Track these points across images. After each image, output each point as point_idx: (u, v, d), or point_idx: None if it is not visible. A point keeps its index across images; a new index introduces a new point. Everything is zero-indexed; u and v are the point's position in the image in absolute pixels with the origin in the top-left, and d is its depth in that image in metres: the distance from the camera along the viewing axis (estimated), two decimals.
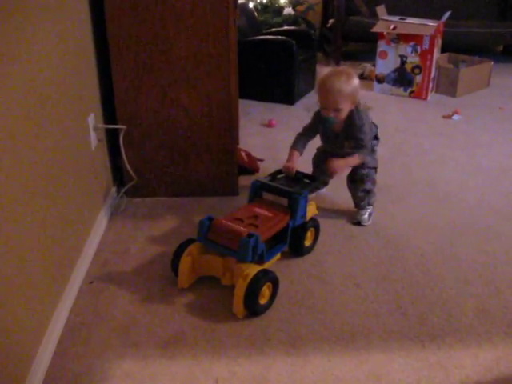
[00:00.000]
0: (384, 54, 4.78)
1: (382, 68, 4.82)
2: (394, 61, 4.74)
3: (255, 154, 3.26)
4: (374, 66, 5.05)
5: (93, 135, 2.36)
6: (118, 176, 2.81)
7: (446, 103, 4.59)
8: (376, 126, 2.60)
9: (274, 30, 4.97)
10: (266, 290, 1.93)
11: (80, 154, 2.20)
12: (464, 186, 2.99)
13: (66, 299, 1.93)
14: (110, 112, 2.62)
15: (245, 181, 2.81)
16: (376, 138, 2.60)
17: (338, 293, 2.07)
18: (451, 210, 2.72)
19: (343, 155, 2.46)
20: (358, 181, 2.52)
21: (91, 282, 2.12)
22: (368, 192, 2.54)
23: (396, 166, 3.27)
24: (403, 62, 4.69)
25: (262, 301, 1.93)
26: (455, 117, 4.18)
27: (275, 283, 1.99)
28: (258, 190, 2.32)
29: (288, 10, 5.62)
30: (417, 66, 4.64)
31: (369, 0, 5.81)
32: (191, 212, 2.64)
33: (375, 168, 2.57)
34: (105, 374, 1.67)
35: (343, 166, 2.42)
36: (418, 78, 4.67)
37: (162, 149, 2.67)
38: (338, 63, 5.82)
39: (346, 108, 2.34)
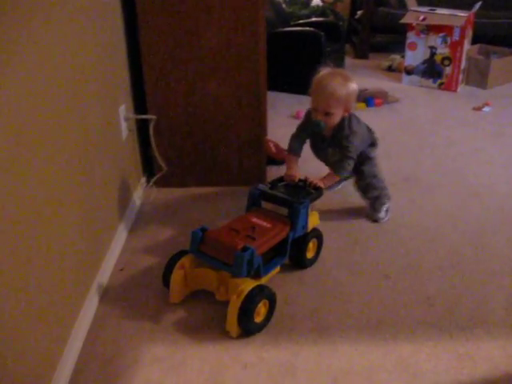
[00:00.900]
0: (413, 46, 4.74)
1: (411, 59, 4.79)
2: (423, 52, 4.70)
3: (283, 145, 3.26)
4: (402, 57, 5.02)
5: (124, 125, 2.40)
6: (148, 166, 2.84)
7: (477, 95, 4.54)
8: (372, 132, 2.47)
9: (302, 21, 4.97)
10: (261, 308, 1.80)
11: (111, 144, 2.24)
12: (494, 178, 2.96)
13: (98, 285, 1.97)
14: (139, 103, 2.65)
15: (272, 171, 2.84)
16: (372, 145, 2.47)
17: (366, 283, 2.08)
18: (481, 201, 2.70)
19: (328, 162, 2.43)
20: (363, 191, 2.51)
21: (121, 269, 2.16)
22: (376, 197, 2.49)
23: (425, 157, 3.25)
24: (433, 54, 4.66)
25: (258, 319, 1.80)
26: (486, 108, 4.14)
27: (272, 300, 1.85)
28: (256, 199, 2.17)
29: (316, 2, 5.62)
30: (447, 58, 4.60)
31: None
32: (219, 202, 2.66)
33: (377, 175, 2.49)
34: (135, 358, 1.71)
35: (328, 184, 2.29)
36: (448, 70, 4.63)
37: (191, 139, 2.70)
38: (366, 55, 5.80)
39: (337, 113, 2.21)
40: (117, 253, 2.24)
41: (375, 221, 2.50)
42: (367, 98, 4.18)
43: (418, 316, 1.90)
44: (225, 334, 1.80)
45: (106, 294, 2.02)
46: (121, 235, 2.31)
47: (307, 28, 4.46)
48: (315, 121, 2.24)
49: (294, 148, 2.39)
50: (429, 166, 3.14)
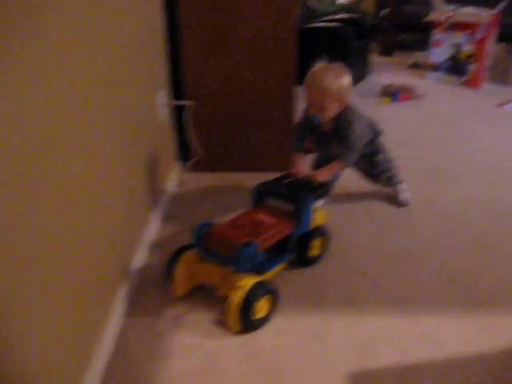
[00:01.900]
0: (438, 43, 4.83)
1: (436, 56, 4.88)
2: (448, 49, 4.79)
3: None
4: (427, 54, 5.11)
5: (161, 111, 2.53)
6: (182, 151, 2.97)
7: (500, 92, 4.62)
8: (374, 123, 2.50)
9: (328, 18, 5.07)
10: (263, 303, 1.81)
11: (150, 128, 2.37)
12: None
13: (140, 255, 2.11)
14: (176, 90, 2.79)
15: None
16: (379, 133, 2.52)
17: (391, 261, 2.20)
18: (502, 191, 2.80)
19: (331, 157, 2.36)
20: (377, 175, 2.59)
21: (158, 247, 2.28)
22: (389, 178, 2.59)
23: (448, 150, 3.35)
24: (458, 51, 4.74)
25: (259, 315, 1.80)
26: (509, 105, 4.22)
27: (274, 295, 1.86)
28: (261, 195, 2.18)
29: None
30: (471, 55, 4.68)
31: None
32: (250, 187, 2.77)
33: (389, 159, 2.58)
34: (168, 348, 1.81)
35: (327, 175, 2.29)
36: (472, 67, 4.71)
37: (225, 125, 2.83)
38: (391, 53, 5.89)
39: (331, 107, 2.22)
40: (152, 234, 2.34)
41: (402, 204, 2.60)
42: (392, 93, 4.28)
43: (441, 292, 2.01)
44: None
45: (144, 266, 2.15)
46: (156, 217, 2.42)
47: (334, 24, 4.56)
48: (310, 115, 2.28)
49: (299, 144, 2.43)
50: (452, 158, 3.23)
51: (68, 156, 1.40)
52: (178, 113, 2.84)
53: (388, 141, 3.38)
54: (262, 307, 1.81)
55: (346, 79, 2.21)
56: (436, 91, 4.63)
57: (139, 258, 2.10)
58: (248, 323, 1.78)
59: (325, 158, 2.46)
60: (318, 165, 2.51)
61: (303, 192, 2.11)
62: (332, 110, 2.23)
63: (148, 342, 1.77)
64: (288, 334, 1.81)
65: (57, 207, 1.32)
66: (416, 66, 5.34)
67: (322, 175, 2.24)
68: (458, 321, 1.87)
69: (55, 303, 1.33)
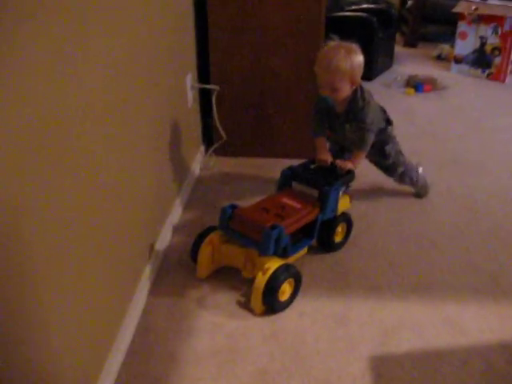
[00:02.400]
0: (464, 35, 4.79)
1: (461, 49, 4.84)
2: (473, 42, 4.74)
3: None
4: (452, 47, 5.07)
5: (190, 94, 2.55)
6: (207, 135, 2.99)
7: None
8: (384, 111, 2.38)
9: (354, 7, 5.04)
10: (286, 286, 1.83)
11: (179, 110, 2.39)
12: None
13: (166, 235, 2.14)
14: (203, 74, 2.80)
15: None
16: (389, 123, 2.39)
17: (415, 249, 2.20)
18: None
19: (345, 140, 2.32)
20: (390, 170, 2.51)
21: (185, 226, 2.31)
22: (402, 173, 2.49)
23: (472, 141, 3.33)
24: (483, 44, 4.69)
25: (283, 297, 1.83)
26: None
27: (297, 279, 1.88)
28: (287, 179, 2.17)
29: None
30: (496, 48, 4.64)
31: None
32: (273, 172, 2.77)
33: (400, 152, 2.48)
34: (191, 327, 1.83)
35: (356, 165, 2.20)
36: (497, 60, 4.66)
37: (250, 110, 2.84)
38: (415, 44, 5.85)
39: (344, 87, 2.11)
40: (176, 216, 2.36)
41: (419, 195, 2.59)
42: (416, 84, 4.25)
43: (464, 281, 2.02)
44: None
45: (169, 247, 2.18)
46: (180, 200, 2.44)
47: (360, 13, 4.54)
48: (322, 97, 2.20)
49: (317, 130, 2.32)
50: (476, 149, 3.21)
51: (102, 139, 1.42)
52: (202, 96, 2.85)
53: (412, 131, 3.40)
54: (285, 290, 1.83)
55: (358, 57, 2.11)
56: (460, 83, 4.59)
57: (164, 238, 2.12)
58: (271, 305, 1.81)
59: (340, 141, 2.41)
60: (334, 148, 2.45)
61: (330, 178, 2.10)
62: (344, 91, 2.13)
63: (171, 321, 1.80)
64: (310, 316, 1.83)
65: (88, 188, 1.35)
66: (440, 58, 5.29)
67: (350, 164, 2.17)
68: (480, 309, 1.88)
69: (89, 279, 1.36)
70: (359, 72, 2.12)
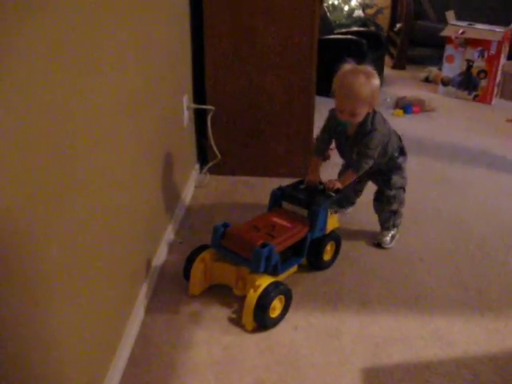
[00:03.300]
0: (451, 58, 4.92)
1: (448, 71, 4.96)
2: (460, 65, 4.87)
3: None
4: (439, 69, 5.20)
5: (186, 114, 2.62)
6: (201, 154, 3.06)
7: (510, 108, 4.70)
8: (400, 139, 2.37)
9: (344, 30, 5.17)
10: (277, 303, 1.87)
11: (174, 130, 2.46)
12: None
13: (161, 253, 2.19)
14: (198, 94, 2.88)
15: None
16: (402, 153, 2.37)
17: (404, 265, 2.27)
18: (510, 202, 2.88)
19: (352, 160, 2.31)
20: (385, 202, 2.40)
21: (180, 242, 2.37)
22: (394, 213, 2.42)
23: (458, 161, 3.43)
24: (469, 67, 4.83)
25: (273, 314, 1.87)
26: None
27: (287, 296, 1.92)
28: (277, 199, 2.22)
29: (358, 13, 5.81)
30: (482, 71, 4.77)
31: (437, 6, 5.95)
32: (266, 191, 2.84)
33: (403, 188, 2.41)
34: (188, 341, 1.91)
35: (343, 184, 2.21)
36: (484, 83, 4.79)
37: (244, 131, 2.92)
38: (403, 67, 5.98)
39: (363, 112, 2.12)
40: (171, 233, 2.41)
41: (378, 244, 2.43)
42: (405, 106, 4.36)
43: (451, 296, 2.09)
44: None
45: (167, 261, 2.24)
46: (175, 217, 2.48)
47: (350, 36, 4.66)
48: (342, 122, 2.16)
49: (319, 150, 2.34)
50: (462, 168, 3.31)
51: (99, 155, 1.46)
52: (197, 116, 2.93)
53: None
54: (275, 307, 1.87)
55: (377, 81, 2.11)
56: (447, 105, 4.71)
57: (160, 255, 2.17)
58: (262, 322, 1.85)
59: (347, 162, 2.44)
60: (344, 170, 2.49)
61: (318, 198, 2.15)
62: (362, 115, 2.14)
63: (169, 335, 1.84)
64: (305, 330, 1.89)
65: (86, 202, 1.39)
66: (428, 80, 5.42)
67: (338, 184, 2.18)
68: (468, 323, 1.94)
69: (92, 293, 1.42)
70: (377, 95, 2.13)
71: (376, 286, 2.14)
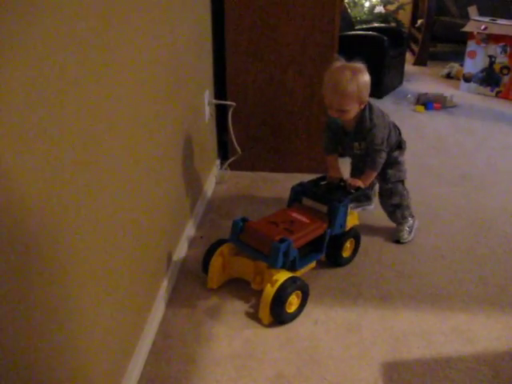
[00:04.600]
0: (473, 54, 4.88)
1: (470, 67, 4.93)
2: (482, 61, 4.84)
3: None
4: (461, 65, 5.16)
5: (207, 109, 2.64)
6: (222, 150, 3.08)
7: None
8: (399, 132, 2.38)
9: (365, 26, 5.15)
10: (294, 298, 1.87)
11: (197, 124, 2.48)
12: None
13: (181, 248, 2.21)
14: (219, 90, 2.90)
15: None
16: (400, 147, 2.38)
17: (425, 262, 2.27)
18: None
19: (354, 157, 2.44)
20: (384, 196, 2.43)
21: (201, 237, 2.39)
22: (397, 206, 2.41)
23: (480, 157, 3.41)
24: (492, 63, 4.79)
25: (290, 309, 1.88)
26: None
27: (305, 291, 1.92)
28: (298, 195, 2.22)
29: (379, 9, 5.79)
30: (505, 67, 4.73)
31: (459, 1, 5.90)
32: (286, 186, 2.86)
33: (401, 181, 2.40)
34: (208, 334, 1.93)
35: (365, 183, 2.23)
36: (506, 79, 4.75)
37: (264, 127, 2.93)
38: (424, 63, 5.95)
39: (352, 108, 2.11)
40: (192, 227, 2.44)
41: (397, 241, 2.41)
42: (426, 102, 4.34)
43: (472, 292, 2.08)
44: None
45: (187, 256, 2.26)
46: (196, 212, 2.52)
47: (371, 32, 4.65)
48: (332, 118, 2.22)
49: (328, 148, 2.36)
50: (484, 165, 3.29)
51: (123, 150, 1.48)
52: (218, 112, 2.95)
53: (421, 147, 3.48)
54: (292, 302, 1.88)
55: (364, 77, 2.10)
56: (469, 101, 4.68)
57: (180, 250, 2.20)
58: (279, 316, 1.86)
59: (358, 161, 2.48)
60: (353, 168, 2.58)
61: (339, 195, 2.16)
62: (353, 112, 2.13)
63: (189, 328, 1.86)
64: (324, 324, 1.90)
65: (110, 196, 1.41)
66: (450, 77, 5.39)
67: (360, 182, 2.21)
68: (488, 319, 1.94)
69: (116, 286, 1.44)
70: (366, 91, 2.12)
71: (396, 282, 2.14)
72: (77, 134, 1.15)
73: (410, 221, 2.44)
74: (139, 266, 1.66)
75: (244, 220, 2.03)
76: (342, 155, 2.46)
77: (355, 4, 5.75)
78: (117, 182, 1.43)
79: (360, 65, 2.12)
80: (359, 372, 1.68)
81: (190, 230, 2.38)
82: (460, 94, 4.90)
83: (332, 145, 2.35)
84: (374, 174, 2.27)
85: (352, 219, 2.23)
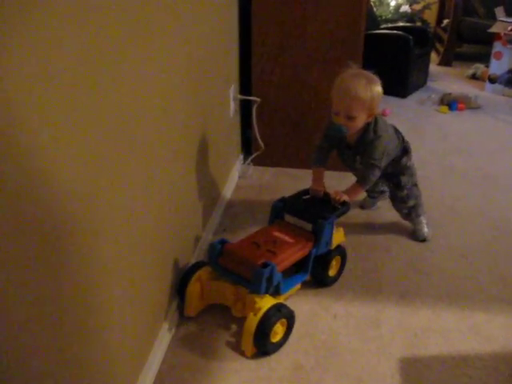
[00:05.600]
0: (499, 55, 4.86)
1: (496, 69, 4.90)
2: (508, 62, 4.81)
3: None
4: (486, 66, 5.14)
5: (232, 104, 2.67)
6: (246, 145, 3.12)
7: None
8: (402, 136, 2.31)
9: (391, 25, 5.15)
10: (279, 327, 1.73)
11: (221, 119, 2.52)
12: None
13: (204, 241, 2.24)
14: (244, 86, 2.94)
15: None
16: (406, 151, 2.31)
17: (444, 260, 2.29)
18: None
19: (357, 171, 2.29)
20: (400, 201, 2.40)
21: (224, 230, 2.44)
22: (413, 207, 2.40)
23: (503, 158, 3.40)
24: None
25: (275, 339, 1.73)
26: None
27: (290, 318, 1.78)
28: (279, 212, 2.10)
29: (405, 8, 5.78)
30: None
31: (486, 2, 5.87)
32: (309, 183, 2.89)
33: (415, 184, 2.38)
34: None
35: (351, 197, 2.11)
36: None
37: (288, 123, 2.96)
38: (449, 63, 5.92)
39: (360, 117, 2.01)
40: (220, 214, 2.51)
41: (423, 240, 2.41)
42: (450, 102, 4.33)
43: (492, 291, 2.09)
44: (320, 290, 2.05)
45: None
46: (222, 201, 2.57)
47: (396, 31, 4.65)
48: (337, 125, 2.03)
49: (318, 159, 2.23)
50: (506, 167, 3.28)
51: (150, 144, 1.52)
52: (243, 108, 2.98)
53: (444, 147, 3.48)
54: (277, 331, 1.74)
55: (378, 88, 2.03)
56: (494, 103, 4.65)
57: (203, 243, 2.23)
58: (263, 347, 1.72)
59: (351, 171, 2.40)
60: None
61: (323, 211, 2.03)
62: (360, 121, 2.03)
63: (209, 318, 1.90)
64: (344, 318, 1.93)
65: (136, 190, 1.45)
66: (475, 78, 5.36)
67: (345, 196, 2.07)
68: (507, 318, 1.95)
69: (137, 285, 1.48)
70: (378, 103, 2.04)
71: (416, 279, 2.16)
72: (111, 126, 1.19)
73: (423, 217, 2.43)
74: (162, 259, 1.71)
75: (222, 242, 1.88)
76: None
77: (381, 3, 5.75)
78: (142, 173, 1.46)
79: (374, 75, 2.06)
80: (377, 366, 1.71)
81: (213, 223, 2.41)
82: (485, 95, 4.87)
83: (323, 156, 2.24)
84: (361, 191, 2.19)
85: (338, 236, 2.08)
